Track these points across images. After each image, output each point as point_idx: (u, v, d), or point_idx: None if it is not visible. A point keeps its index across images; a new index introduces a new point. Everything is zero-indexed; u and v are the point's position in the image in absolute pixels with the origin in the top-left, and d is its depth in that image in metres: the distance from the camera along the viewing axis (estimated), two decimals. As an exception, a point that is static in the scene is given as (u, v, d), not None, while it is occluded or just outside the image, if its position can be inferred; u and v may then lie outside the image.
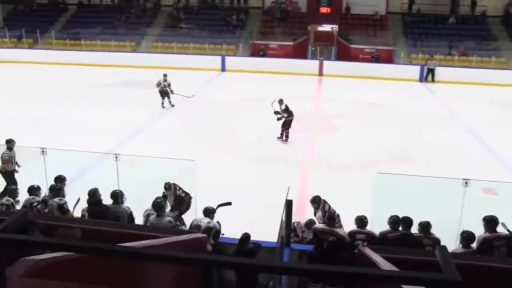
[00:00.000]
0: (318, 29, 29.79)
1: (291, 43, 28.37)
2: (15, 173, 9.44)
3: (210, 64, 26.30)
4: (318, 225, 6.56)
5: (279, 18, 30.21)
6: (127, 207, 6.98)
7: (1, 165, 9.38)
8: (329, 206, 7.87)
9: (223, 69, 26.66)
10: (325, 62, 26.41)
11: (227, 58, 26.95)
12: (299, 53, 27.77)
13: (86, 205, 7.00)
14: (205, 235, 5.82)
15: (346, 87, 22.60)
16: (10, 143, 9.48)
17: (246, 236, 6.13)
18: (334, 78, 24.93)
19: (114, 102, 18.41)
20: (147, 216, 7.04)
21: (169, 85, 17.49)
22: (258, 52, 27.68)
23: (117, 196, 7.01)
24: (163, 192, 7.99)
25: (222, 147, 13.47)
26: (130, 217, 6.98)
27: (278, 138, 14.02)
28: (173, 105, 17.74)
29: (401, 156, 13.00)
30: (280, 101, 13.93)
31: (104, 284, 2.89)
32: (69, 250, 2.77)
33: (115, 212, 6.87)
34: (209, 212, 6.87)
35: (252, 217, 8.29)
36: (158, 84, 17.36)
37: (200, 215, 6.89)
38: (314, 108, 19.04)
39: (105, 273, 3.15)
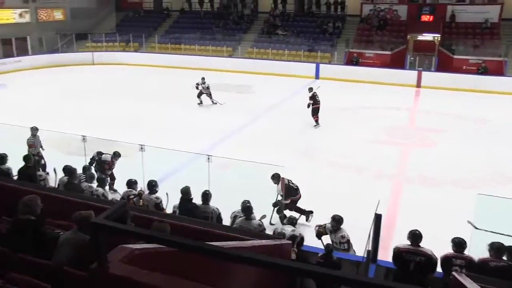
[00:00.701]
0: (418, 38, 28.72)
1: (388, 52, 27.61)
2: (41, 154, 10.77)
3: (304, 71, 26.33)
4: (402, 245, 6.02)
5: (376, 26, 29.55)
6: (217, 208, 7.17)
7: (28, 149, 10.57)
8: (288, 181, 8.81)
9: (316, 76, 26.57)
10: (424, 73, 25.30)
11: (321, 65, 26.83)
12: (397, 62, 26.91)
13: (178, 202, 7.29)
14: (289, 242, 5.82)
15: (446, 100, 21.44)
16: (34, 131, 10.80)
17: (331, 249, 6.06)
18: (434, 90, 23.77)
19: (209, 105, 19.02)
20: (234, 218, 7.20)
21: (207, 87, 18.65)
22: (352, 60, 27.28)
23: (207, 196, 7.23)
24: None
25: (312, 155, 13.42)
26: (219, 218, 7.16)
27: (315, 126, 15.91)
28: (215, 103, 18.80)
29: (508, 177, 11.90)
30: (310, 89, 15.86)
31: (189, 279, 2.99)
32: (163, 244, 2.93)
33: (204, 212, 7.09)
34: (292, 221, 6.90)
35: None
36: (197, 86, 18.65)
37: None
38: (409, 120, 18.35)
39: (192, 268, 3.26)
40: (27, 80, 24.46)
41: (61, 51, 30.45)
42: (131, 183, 7.92)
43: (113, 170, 10.23)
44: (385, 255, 6.47)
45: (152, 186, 7.60)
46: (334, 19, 30.91)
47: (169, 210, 7.41)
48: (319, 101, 16.02)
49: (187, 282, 2.95)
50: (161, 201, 7.44)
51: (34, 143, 10.84)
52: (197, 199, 7.27)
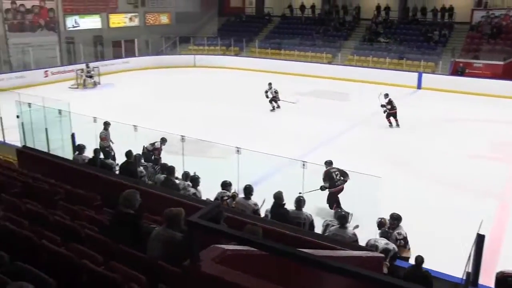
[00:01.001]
0: (537, 47, 26.59)
1: (500, 62, 25.82)
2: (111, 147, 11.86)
3: (406, 80, 25.42)
4: (508, 270, 5.55)
5: (489, 34, 27.79)
6: (310, 214, 7.13)
7: (100, 142, 11.69)
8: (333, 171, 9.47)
9: (419, 86, 25.55)
10: (542, 86, 23.35)
11: (424, 75, 25.76)
12: (510, 73, 25.09)
13: (270, 207, 7.34)
14: (382, 255, 5.64)
15: None
16: (106, 125, 11.83)
17: (421, 261, 5.79)
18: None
19: (306, 111, 19.03)
20: (326, 227, 7.11)
21: (276, 91, 19.12)
22: (457, 70, 25.88)
23: (300, 202, 7.22)
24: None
25: (409, 167, 12.93)
26: (311, 225, 7.12)
27: (389, 126, 16.81)
28: (279, 107, 19.20)
29: None
30: (386, 95, 16.81)
31: (279, 284, 2.99)
32: (255, 247, 2.96)
33: (297, 218, 7.08)
34: (386, 234, 6.70)
35: (431, 243, 7.79)
36: (266, 95, 19.12)
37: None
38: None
39: (281, 273, 3.26)
40: (133, 80, 26.09)
41: (165, 53, 32.10)
42: (226, 185, 8.11)
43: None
44: (487, 279, 6.03)
45: (249, 191, 7.64)
46: (440, 27, 29.56)
47: (261, 214, 7.48)
48: (395, 106, 16.86)
49: (276, 287, 2.95)
50: (258, 208, 7.50)
51: (106, 136, 11.91)
52: (289, 205, 7.27)
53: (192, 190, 8.18)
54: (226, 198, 7.77)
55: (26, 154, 9.33)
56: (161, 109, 18.74)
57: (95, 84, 24.24)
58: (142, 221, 4.86)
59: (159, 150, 11.46)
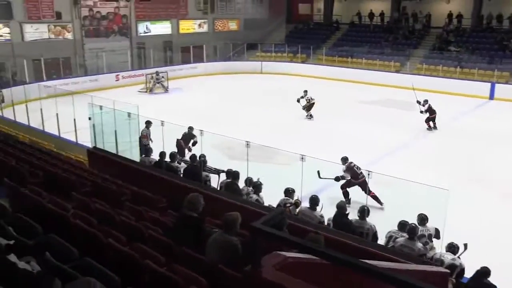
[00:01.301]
0: None
1: None
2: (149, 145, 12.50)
3: (477, 90, 24.34)
4: None
5: None
6: (373, 225, 6.98)
7: (140, 138, 12.65)
8: (354, 165, 10.59)
9: (491, 97, 24.38)
10: None
11: (497, 85, 24.55)
12: None
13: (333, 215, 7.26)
14: (448, 271, 5.43)
15: None
16: (148, 124, 12.66)
17: (485, 271, 5.52)
18: None
19: (372, 119, 18.70)
20: (389, 238, 6.94)
21: (309, 100, 18.86)
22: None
23: (364, 212, 7.08)
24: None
25: (481, 182, 12.35)
26: (375, 235, 6.97)
27: (427, 128, 17.27)
28: (311, 116, 18.94)
29: None
30: (425, 101, 17.27)
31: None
32: (317, 255, 2.92)
33: (360, 228, 6.95)
34: (453, 249, 6.43)
35: (503, 262, 7.42)
36: (303, 106, 18.99)
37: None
38: None
39: (343, 284, 3.20)
40: (200, 85, 26.68)
41: (233, 59, 32.66)
42: (289, 192, 8.11)
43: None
44: None
45: (315, 202, 7.58)
46: (518, 35, 28.11)
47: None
48: (434, 111, 17.35)
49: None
50: (324, 220, 7.42)
51: (147, 134, 12.76)
52: (352, 214, 7.16)
53: (255, 197, 8.23)
54: (288, 205, 7.76)
55: (96, 155, 9.77)
56: (227, 115, 19.03)
57: (164, 90, 25.02)
58: (205, 224, 4.94)
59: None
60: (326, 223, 7.30)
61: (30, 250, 3.58)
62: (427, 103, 17.29)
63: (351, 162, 10.75)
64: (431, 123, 17.49)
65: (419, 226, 7.00)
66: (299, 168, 8.28)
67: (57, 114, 14.42)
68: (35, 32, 24.67)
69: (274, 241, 3.16)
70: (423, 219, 7.32)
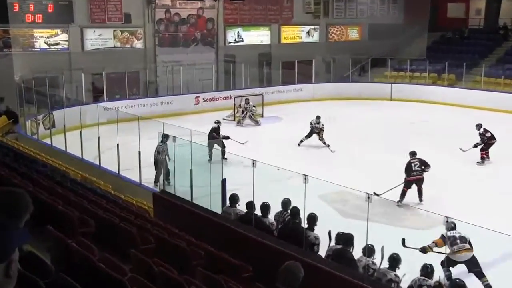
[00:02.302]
0: None
1: None
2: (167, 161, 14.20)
3: None
4: None
5: None
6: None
7: (155, 155, 14.64)
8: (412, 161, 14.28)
9: None
10: None
11: None
12: None
13: None
14: None
15: None
16: (164, 138, 14.16)
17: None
18: None
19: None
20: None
21: (321, 129, 20.22)
22: None
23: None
24: None
25: None
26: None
27: (478, 162, 18.57)
28: (328, 145, 19.93)
29: None
30: (479, 125, 18.82)
31: None
32: None
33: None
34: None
35: None
36: (311, 124, 20.40)
37: None
38: None
39: None
40: (305, 114, 26.47)
41: (352, 80, 32.69)
42: (427, 270, 7.84)
43: None
44: None
45: None
46: None
47: None
48: (494, 136, 18.60)
49: None
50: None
51: (162, 149, 14.34)
52: None
53: (392, 274, 7.94)
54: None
55: (164, 200, 10.09)
56: (341, 156, 18.94)
57: (255, 123, 24.90)
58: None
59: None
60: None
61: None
62: (480, 128, 18.76)
63: (413, 159, 14.44)
64: (482, 154, 18.73)
65: None
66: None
67: (117, 144, 15.03)
68: (97, 39, 26.25)
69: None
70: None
